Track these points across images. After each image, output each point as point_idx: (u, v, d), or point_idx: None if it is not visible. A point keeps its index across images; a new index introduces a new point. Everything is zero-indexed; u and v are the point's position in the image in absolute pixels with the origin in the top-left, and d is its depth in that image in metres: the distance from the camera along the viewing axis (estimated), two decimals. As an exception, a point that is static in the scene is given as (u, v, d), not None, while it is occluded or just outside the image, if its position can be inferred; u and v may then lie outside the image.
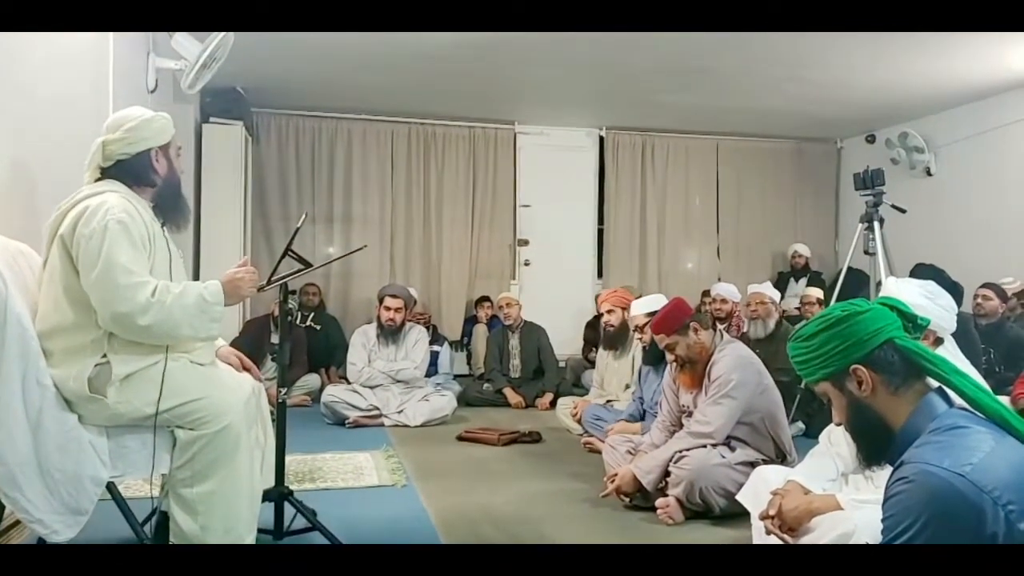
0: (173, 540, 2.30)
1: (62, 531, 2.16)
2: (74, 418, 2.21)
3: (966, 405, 1.45)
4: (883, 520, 1.36)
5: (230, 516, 2.31)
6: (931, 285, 2.54)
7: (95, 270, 2.16)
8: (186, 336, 2.29)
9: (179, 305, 2.22)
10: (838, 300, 5.53)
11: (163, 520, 2.41)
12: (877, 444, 1.51)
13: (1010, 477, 1.28)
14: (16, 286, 2.18)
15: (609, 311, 5.08)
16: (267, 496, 2.64)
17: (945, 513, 1.26)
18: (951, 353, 2.48)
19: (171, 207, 2.46)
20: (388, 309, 5.65)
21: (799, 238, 8.40)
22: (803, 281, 7.78)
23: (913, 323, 1.57)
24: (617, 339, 5.09)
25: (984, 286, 5.37)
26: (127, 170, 2.37)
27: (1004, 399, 3.93)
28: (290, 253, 2.81)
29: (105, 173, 2.37)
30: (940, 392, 1.48)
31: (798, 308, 6.34)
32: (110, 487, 2.29)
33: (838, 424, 1.59)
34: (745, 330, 5.77)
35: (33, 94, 2.97)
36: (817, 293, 6.11)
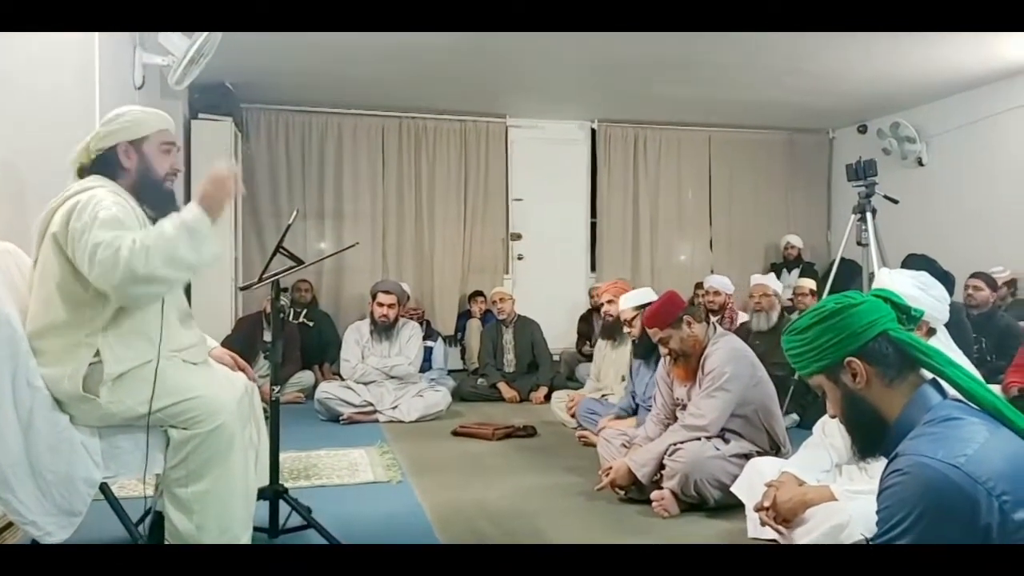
0: (168, 540, 2.29)
1: (55, 533, 2.15)
2: (65, 419, 2.19)
3: (960, 396, 1.45)
4: (878, 512, 1.37)
5: (225, 515, 2.29)
6: (924, 276, 2.55)
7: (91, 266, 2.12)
8: (189, 263, 2.17)
9: (162, 238, 2.12)
10: (831, 291, 5.55)
11: (158, 520, 2.40)
12: (872, 436, 1.51)
13: (1004, 468, 1.28)
14: (4, 286, 2.16)
15: (609, 301, 5.10)
16: (262, 494, 2.63)
17: (940, 504, 1.26)
18: (944, 343, 2.49)
19: (151, 204, 2.35)
20: (381, 305, 5.64)
21: (791, 229, 8.41)
22: (796, 272, 7.79)
23: (907, 315, 1.57)
24: (615, 329, 5.09)
25: (974, 276, 5.37)
26: (101, 164, 2.32)
27: (995, 388, 3.95)
28: (281, 250, 2.80)
29: (89, 169, 2.34)
30: (934, 383, 1.49)
31: (791, 299, 6.34)
32: (103, 488, 2.27)
33: (833, 416, 1.59)
34: (746, 321, 5.79)
35: (18, 92, 2.94)
36: (810, 284, 6.12)
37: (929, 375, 1.49)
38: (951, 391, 1.47)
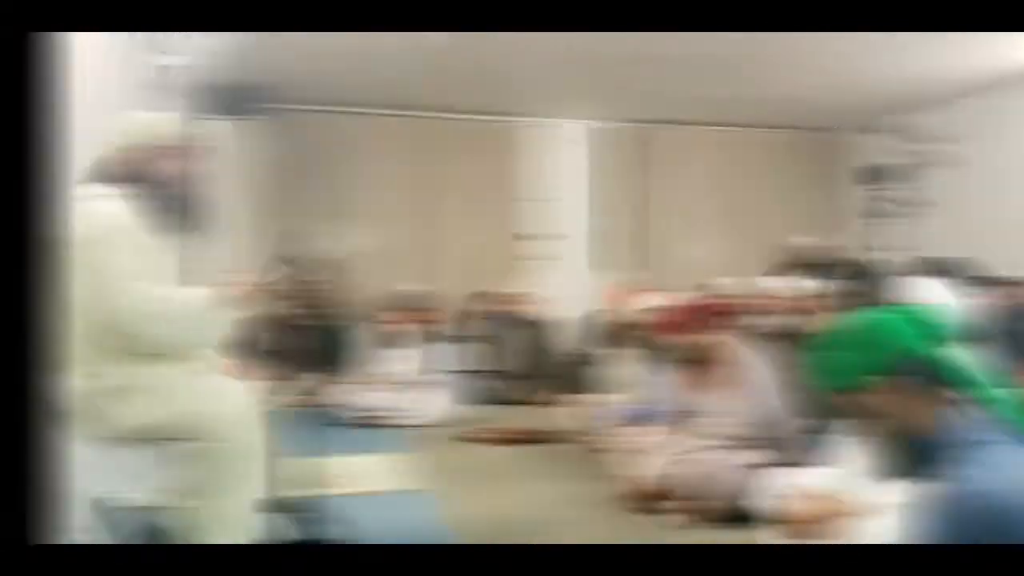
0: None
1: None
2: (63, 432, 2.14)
3: (993, 414, 1.40)
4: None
5: (229, 531, 2.24)
6: (943, 284, 2.50)
7: (95, 281, 2.08)
8: (191, 342, 2.27)
9: (181, 314, 2.16)
10: (843, 295, 5.46)
11: (158, 537, 2.34)
12: (903, 456, 1.47)
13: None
14: None
15: (612, 308, 5.04)
16: (267, 507, 2.57)
17: (986, 532, 1.21)
18: (967, 352, 2.43)
19: (157, 210, 2.34)
20: (390, 323, 5.60)
21: (800, 231, 8.31)
22: (805, 274, 7.71)
23: (936, 330, 1.52)
24: (619, 336, 5.03)
25: (978, 285, 5.17)
26: (104, 173, 2.31)
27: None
28: (286, 257, 2.76)
29: (97, 178, 2.32)
30: (966, 402, 1.43)
31: (799, 301, 6.26)
32: (99, 503, 2.22)
33: (863, 435, 1.54)
34: (756, 326, 5.70)
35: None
36: (818, 286, 6.03)
37: (961, 394, 1.43)
38: (984, 411, 1.42)
